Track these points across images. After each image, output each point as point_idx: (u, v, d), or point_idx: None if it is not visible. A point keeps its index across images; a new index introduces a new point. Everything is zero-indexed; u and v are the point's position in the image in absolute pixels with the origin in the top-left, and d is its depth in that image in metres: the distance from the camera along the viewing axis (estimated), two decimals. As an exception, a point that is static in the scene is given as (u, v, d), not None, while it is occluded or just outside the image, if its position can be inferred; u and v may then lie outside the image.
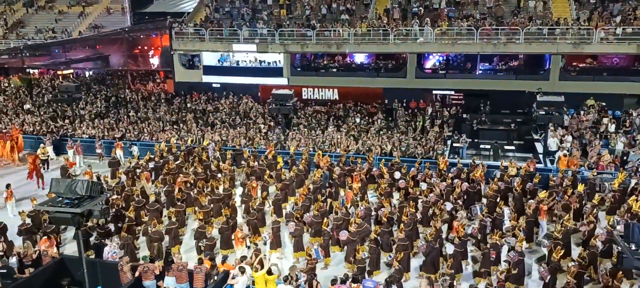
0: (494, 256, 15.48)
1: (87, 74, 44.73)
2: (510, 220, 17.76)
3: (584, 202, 18.86)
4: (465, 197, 19.94)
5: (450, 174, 21.59)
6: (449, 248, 16.29)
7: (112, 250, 16.16)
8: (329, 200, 19.80)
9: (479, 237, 16.97)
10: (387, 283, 13.87)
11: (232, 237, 17.33)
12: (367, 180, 22.06)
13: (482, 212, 18.03)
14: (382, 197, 19.48)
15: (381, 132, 27.69)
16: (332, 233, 17.42)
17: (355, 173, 21.71)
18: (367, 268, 15.70)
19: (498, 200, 19.36)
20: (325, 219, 17.48)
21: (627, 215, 17.76)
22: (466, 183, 20.53)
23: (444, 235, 17.31)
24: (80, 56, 42.32)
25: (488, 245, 15.86)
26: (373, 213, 18.69)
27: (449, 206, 18.64)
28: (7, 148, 27.70)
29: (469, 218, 18.96)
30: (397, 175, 21.77)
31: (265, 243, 17.67)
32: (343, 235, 16.64)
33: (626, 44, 28.13)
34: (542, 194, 19.14)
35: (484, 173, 21.85)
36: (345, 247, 16.68)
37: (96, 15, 48.35)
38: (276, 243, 17.48)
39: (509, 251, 15.61)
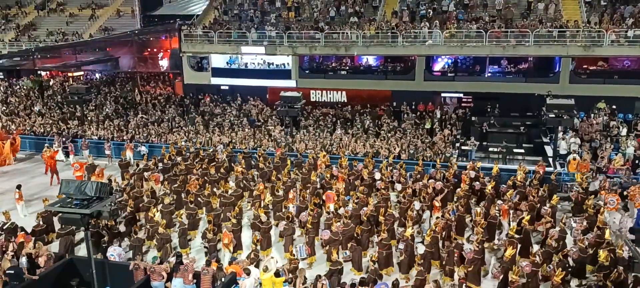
0: (457, 255, 15.68)
1: (97, 75, 45.05)
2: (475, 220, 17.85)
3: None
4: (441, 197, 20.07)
5: (428, 174, 21.82)
6: (420, 248, 16.36)
7: (113, 252, 16.19)
8: (312, 199, 19.76)
9: (444, 235, 17.01)
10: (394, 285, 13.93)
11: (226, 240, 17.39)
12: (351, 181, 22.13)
13: (448, 211, 18.17)
14: (364, 196, 19.53)
15: (389, 135, 27.63)
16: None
17: (341, 174, 22.01)
18: (351, 267, 16.15)
19: (471, 200, 19.80)
20: (309, 218, 17.67)
21: (584, 215, 18.13)
22: (440, 183, 20.65)
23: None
24: (91, 58, 42.63)
25: (453, 244, 16.06)
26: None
27: (417, 205, 18.89)
28: (6, 148, 28.10)
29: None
30: (377, 176, 21.78)
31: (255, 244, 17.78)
32: (325, 235, 16.81)
33: (638, 46, 27.84)
34: (510, 194, 19.25)
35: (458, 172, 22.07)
36: (327, 247, 16.80)
37: (106, 18, 48.75)
38: (266, 244, 17.58)
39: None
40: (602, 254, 14.61)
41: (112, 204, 12.66)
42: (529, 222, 17.19)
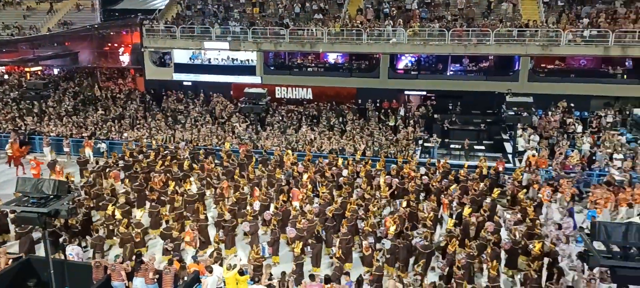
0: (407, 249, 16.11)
1: (55, 71, 43.83)
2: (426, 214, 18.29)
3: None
4: (395, 192, 20.63)
5: (385, 171, 22.17)
6: (387, 243, 16.59)
7: (72, 251, 15.83)
8: (281, 197, 19.80)
9: (398, 231, 17.39)
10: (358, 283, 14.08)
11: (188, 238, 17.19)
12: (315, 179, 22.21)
13: (401, 206, 18.58)
14: (327, 194, 19.66)
15: (355, 132, 27.79)
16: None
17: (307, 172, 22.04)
18: (311, 264, 16.32)
19: (420, 195, 20.18)
20: (273, 218, 17.67)
21: (517, 208, 18.90)
22: (396, 179, 21.06)
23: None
24: (49, 53, 41.48)
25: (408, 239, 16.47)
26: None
27: (383, 201, 19.45)
28: None
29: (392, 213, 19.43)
30: (344, 172, 22.00)
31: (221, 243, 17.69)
32: (291, 233, 16.82)
33: (593, 46, 28.79)
34: (451, 188, 19.99)
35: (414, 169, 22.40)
36: (293, 244, 16.82)
37: (65, 11, 47.35)
38: (231, 243, 17.48)
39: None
40: (537, 245, 15.28)
41: (70, 202, 12.35)
42: (468, 215, 17.74)
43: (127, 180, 22.12)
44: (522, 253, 16.47)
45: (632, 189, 20.02)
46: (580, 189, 21.47)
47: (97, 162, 23.79)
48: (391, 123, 29.50)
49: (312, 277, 14.31)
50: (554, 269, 14.85)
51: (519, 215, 18.23)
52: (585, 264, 14.88)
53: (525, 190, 20.16)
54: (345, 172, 21.92)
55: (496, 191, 19.70)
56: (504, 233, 17.78)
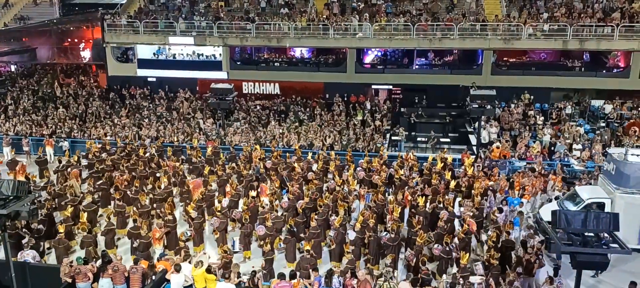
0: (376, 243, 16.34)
1: (12, 67, 42.43)
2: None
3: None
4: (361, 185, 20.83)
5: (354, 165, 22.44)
6: (351, 234, 16.76)
7: (27, 256, 15.37)
8: (250, 193, 19.72)
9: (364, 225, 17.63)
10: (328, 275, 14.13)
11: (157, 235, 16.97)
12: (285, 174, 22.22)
13: (371, 200, 18.85)
14: (296, 189, 19.70)
15: (323, 126, 27.85)
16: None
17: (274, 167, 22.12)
18: (285, 259, 16.41)
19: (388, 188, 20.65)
20: (245, 213, 17.64)
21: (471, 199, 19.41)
22: (362, 172, 21.33)
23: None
24: (5, 49, 40.11)
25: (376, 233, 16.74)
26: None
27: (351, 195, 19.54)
28: None
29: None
30: (314, 167, 22.05)
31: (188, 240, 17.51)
32: (260, 231, 16.80)
33: (552, 40, 29.54)
34: (412, 181, 20.40)
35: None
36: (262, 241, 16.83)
37: (22, 6, 45.73)
38: (199, 240, 17.32)
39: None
40: (492, 235, 15.94)
41: (31, 203, 11.99)
42: (423, 205, 18.10)
43: (90, 180, 21.63)
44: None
45: (555, 176, 21.04)
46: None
47: (59, 161, 23.16)
48: (359, 117, 29.67)
49: (281, 276, 14.25)
50: (513, 257, 15.43)
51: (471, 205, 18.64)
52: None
53: (480, 180, 20.59)
54: (314, 167, 21.96)
55: (453, 183, 20.05)
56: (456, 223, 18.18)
